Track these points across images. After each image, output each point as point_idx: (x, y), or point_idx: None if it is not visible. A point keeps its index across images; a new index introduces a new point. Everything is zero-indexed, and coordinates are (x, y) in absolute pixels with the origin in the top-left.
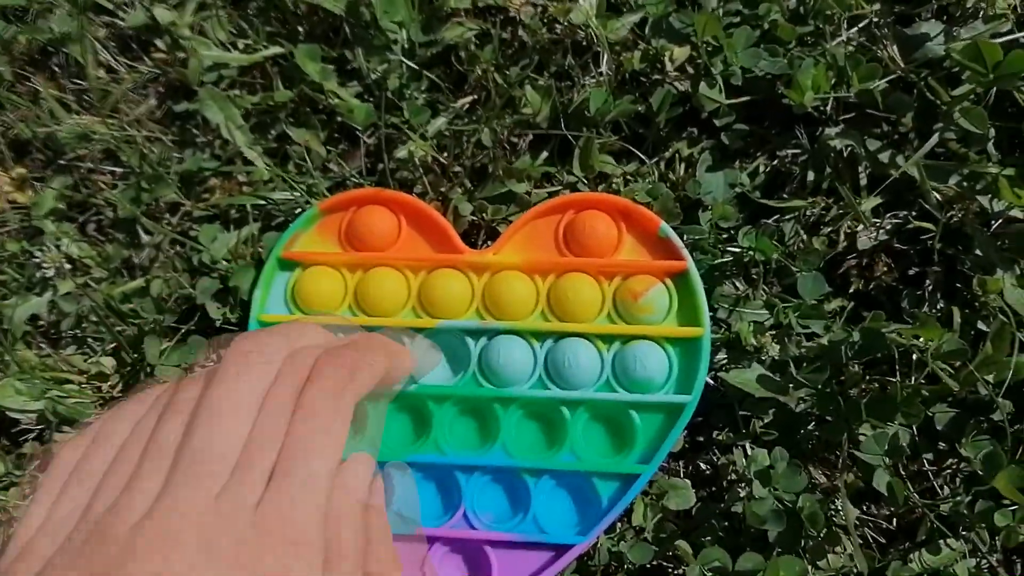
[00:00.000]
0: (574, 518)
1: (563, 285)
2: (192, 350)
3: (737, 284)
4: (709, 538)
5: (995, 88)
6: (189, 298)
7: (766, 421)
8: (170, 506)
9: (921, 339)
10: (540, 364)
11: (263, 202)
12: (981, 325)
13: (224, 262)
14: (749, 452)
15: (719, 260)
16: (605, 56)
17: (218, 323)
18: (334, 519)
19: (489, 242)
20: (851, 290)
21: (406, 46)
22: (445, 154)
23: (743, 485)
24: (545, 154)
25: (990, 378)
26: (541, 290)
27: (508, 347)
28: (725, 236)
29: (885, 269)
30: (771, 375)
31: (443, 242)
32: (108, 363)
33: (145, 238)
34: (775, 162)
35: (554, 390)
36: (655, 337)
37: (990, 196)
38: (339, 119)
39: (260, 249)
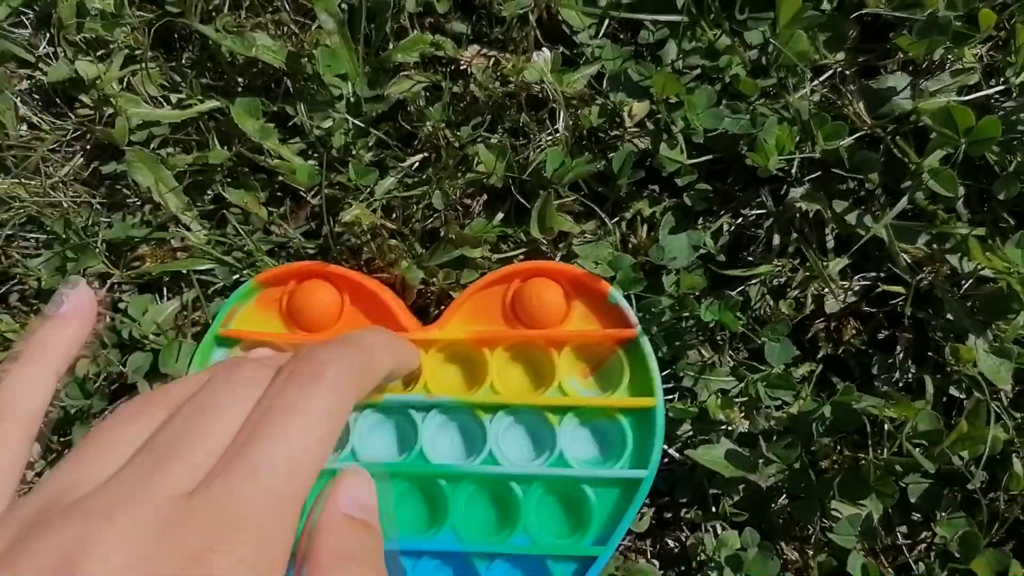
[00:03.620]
0: None
1: (512, 357)
2: None
3: (702, 351)
4: None
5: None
6: (119, 376)
7: (736, 499)
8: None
9: (893, 414)
10: (490, 439)
11: (199, 269)
12: (954, 390)
13: (155, 336)
14: (719, 532)
15: (683, 324)
16: (561, 113)
17: None
18: (317, 528)
19: (444, 307)
20: (820, 355)
21: (352, 101)
22: (394, 216)
23: (713, 567)
24: (501, 215)
25: (964, 453)
26: (490, 363)
27: (457, 422)
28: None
29: (854, 332)
30: (740, 450)
31: (387, 319)
32: (34, 449)
33: None
34: (739, 220)
35: (505, 466)
36: (607, 408)
37: (960, 256)
38: (281, 178)
39: (197, 318)
